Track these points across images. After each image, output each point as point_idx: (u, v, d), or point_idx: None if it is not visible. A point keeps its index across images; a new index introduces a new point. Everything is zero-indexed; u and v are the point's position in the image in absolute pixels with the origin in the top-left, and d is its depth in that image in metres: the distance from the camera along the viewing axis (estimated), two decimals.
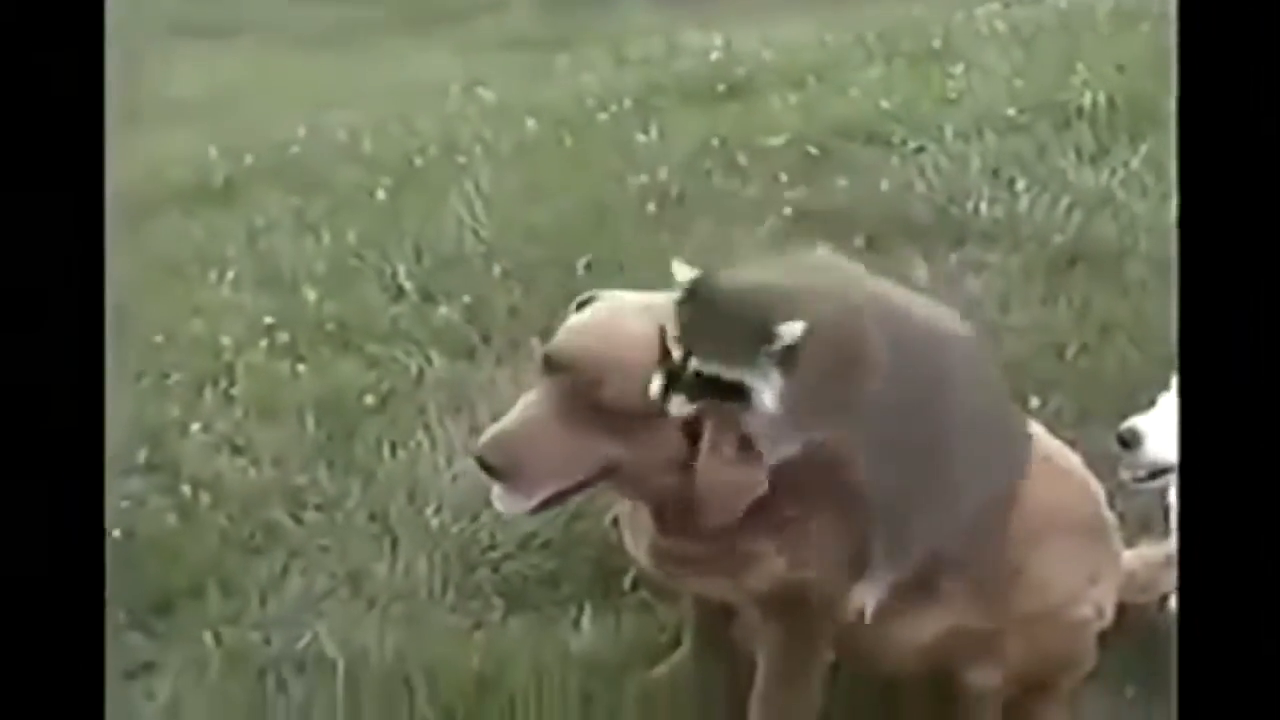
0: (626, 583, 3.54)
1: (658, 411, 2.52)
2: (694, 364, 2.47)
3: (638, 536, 2.97)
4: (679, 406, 2.51)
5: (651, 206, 5.44)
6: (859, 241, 5.03)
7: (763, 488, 2.64)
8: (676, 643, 3.33)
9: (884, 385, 2.55)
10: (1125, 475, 3.18)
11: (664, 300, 2.64)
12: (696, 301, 2.50)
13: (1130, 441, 3.09)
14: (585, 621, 3.48)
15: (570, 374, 2.63)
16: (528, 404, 2.67)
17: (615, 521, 3.42)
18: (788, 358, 2.43)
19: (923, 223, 5.19)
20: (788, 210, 5.30)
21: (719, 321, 2.48)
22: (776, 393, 2.46)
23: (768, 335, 2.43)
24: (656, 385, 2.50)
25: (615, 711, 3.18)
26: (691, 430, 2.61)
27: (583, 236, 5.20)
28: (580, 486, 2.72)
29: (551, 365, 2.67)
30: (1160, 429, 3.06)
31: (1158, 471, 3.13)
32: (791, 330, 2.41)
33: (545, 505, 2.72)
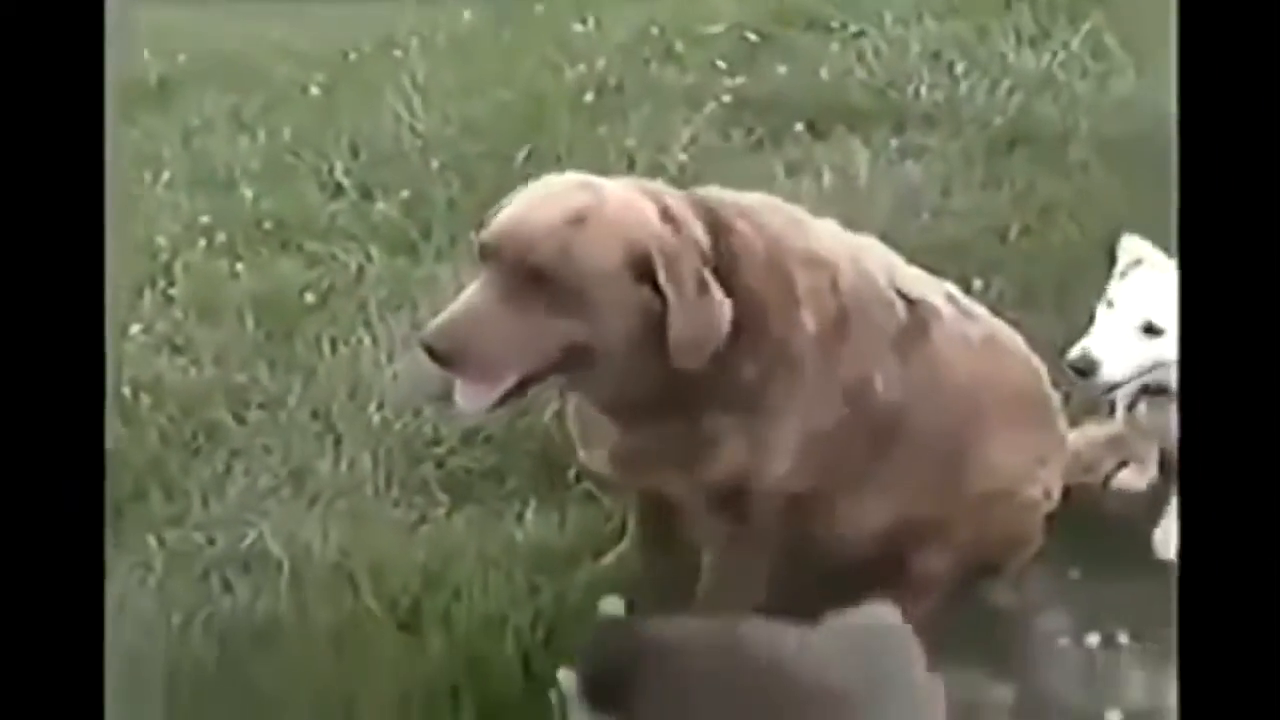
0: (571, 475, 3.53)
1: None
2: None
3: (594, 447, 2.97)
4: None
5: (590, 96, 5.38)
6: (799, 127, 5.01)
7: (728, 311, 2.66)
8: (621, 533, 3.34)
9: None
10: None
11: (599, 180, 2.69)
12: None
13: (1086, 370, 3.05)
14: (530, 514, 3.47)
15: (502, 253, 2.61)
16: (470, 292, 2.65)
17: (558, 415, 3.42)
18: None
19: (863, 108, 5.14)
20: (727, 98, 5.25)
21: None
22: None
23: None
24: None
25: (561, 602, 3.18)
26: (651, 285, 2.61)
27: (521, 128, 5.15)
28: (543, 374, 2.69)
29: (485, 251, 2.65)
30: (1109, 349, 3.04)
31: (1114, 386, 3.13)
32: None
33: (508, 397, 2.69)
